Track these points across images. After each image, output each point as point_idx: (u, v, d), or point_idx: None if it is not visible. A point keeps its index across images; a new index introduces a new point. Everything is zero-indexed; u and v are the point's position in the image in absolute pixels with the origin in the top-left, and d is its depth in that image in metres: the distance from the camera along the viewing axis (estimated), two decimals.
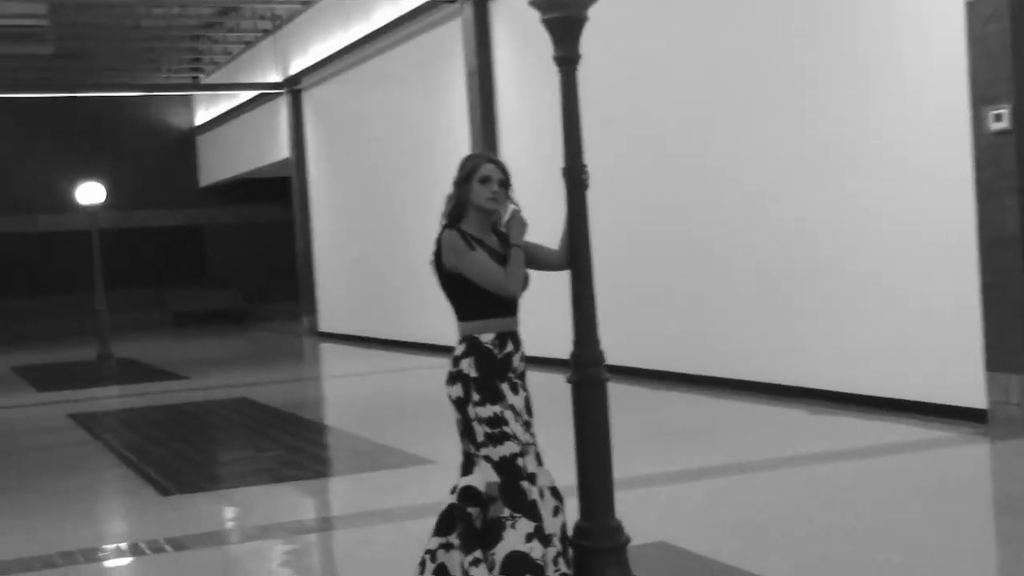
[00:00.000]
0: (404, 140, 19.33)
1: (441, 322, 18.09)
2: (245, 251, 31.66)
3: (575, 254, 4.91)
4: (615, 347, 13.54)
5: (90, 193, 18.45)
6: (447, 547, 4.73)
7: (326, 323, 24.13)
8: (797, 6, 10.96)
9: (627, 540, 4.95)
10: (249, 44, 26.79)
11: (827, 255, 10.71)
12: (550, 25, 4.88)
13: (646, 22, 13.04)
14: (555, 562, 4.66)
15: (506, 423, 4.65)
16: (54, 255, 29.48)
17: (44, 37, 25.81)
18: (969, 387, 9.20)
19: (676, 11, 12.57)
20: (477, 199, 4.76)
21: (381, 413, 12.66)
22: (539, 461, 4.81)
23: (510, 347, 4.77)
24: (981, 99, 8.89)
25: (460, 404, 4.69)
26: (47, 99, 28.56)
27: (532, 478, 4.69)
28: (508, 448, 4.64)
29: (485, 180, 4.76)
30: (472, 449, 4.70)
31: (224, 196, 31.48)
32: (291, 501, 8.20)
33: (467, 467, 4.73)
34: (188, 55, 29.18)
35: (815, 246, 10.85)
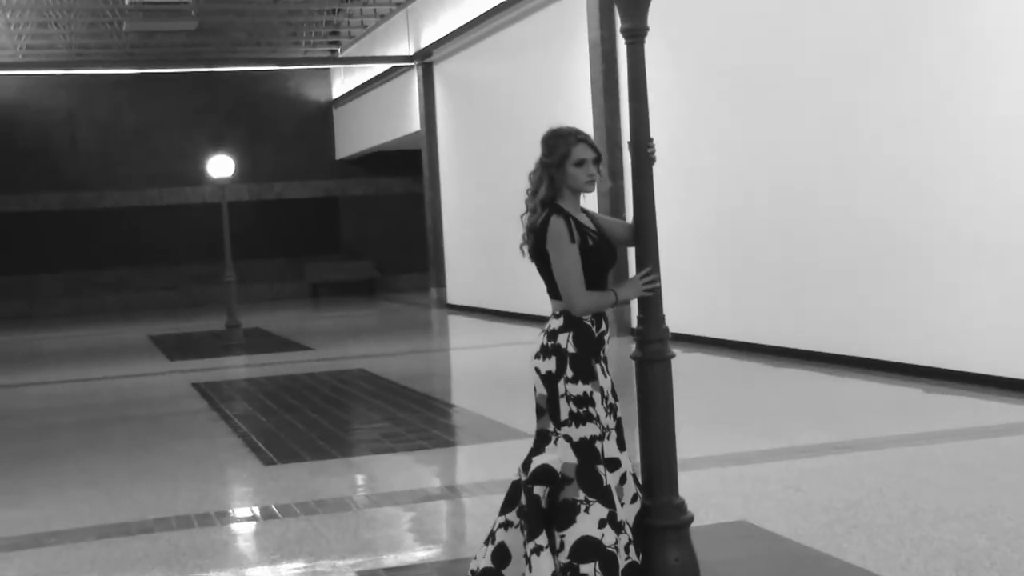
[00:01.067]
0: (530, 112, 19.30)
1: None
2: (378, 223, 32.06)
3: (641, 229, 4.83)
4: (729, 321, 13.42)
5: (220, 166, 18.81)
6: (506, 525, 4.70)
7: (454, 295, 24.29)
8: None
9: (690, 518, 4.87)
10: (384, 17, 27.02)
11: (942, 232, 10.39)
12: None
13: None
14: (627, 550, 4.57)
15: (593, 404, 4.58)
16: (195, 226, 30.23)
17: (188, 13, 26.50)
18: None
19: None
20: (575, 183, 4.69)
21: (492, 386, 12.71)
22: (622, 446, 4.74)
23: (604, 326, 4.72)
24: None
25: (550, 378, 4.62)
26: (189, 74, 29.25)
27: (611, 463, 4.62)
28: (589, 430, 4.58)
29: (581, 163, 4.68)
30: (551, 427, 4.63)
31: (359, 168, 31.89)
32: (384, 472, 8.27)
33: (540, 445, 4.66)
34: (326, 28, 29.57)
35: (934, 221, 10.53)
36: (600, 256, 4.70)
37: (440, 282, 24.93)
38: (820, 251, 12.07)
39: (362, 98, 29.55)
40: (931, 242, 10.55)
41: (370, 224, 32.15)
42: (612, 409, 4.69)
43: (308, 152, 31.78)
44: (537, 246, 4.69)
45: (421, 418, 10.36)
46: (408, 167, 29.83)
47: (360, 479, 8.15)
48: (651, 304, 4.83)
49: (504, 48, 20.49)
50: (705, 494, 6.63)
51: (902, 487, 6.77)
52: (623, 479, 4.68)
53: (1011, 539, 5.61)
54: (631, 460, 4.80)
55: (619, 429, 4.74)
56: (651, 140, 4.83)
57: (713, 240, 13.74)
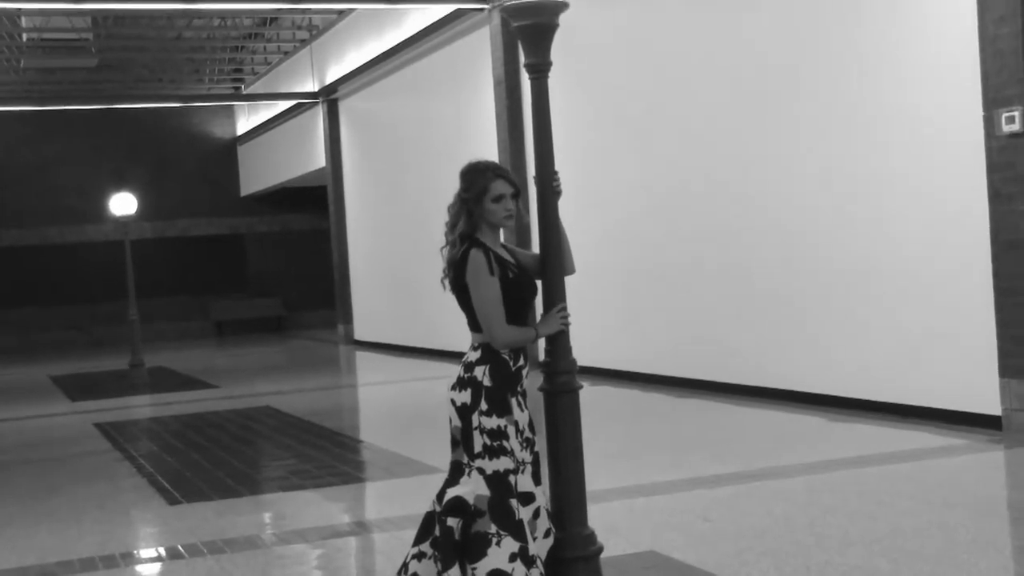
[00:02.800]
0: (435, 148, 19.36)
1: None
2: (284, 260, 31.87)
3: (548, 263, 4.87)
4: (634, 354, 13.51)
5: (122, 204, 18.59)
6: (419, 556, 4.70)
7: (362, 331, 24.19)
8: (805, 10, 10.86)
9: (600, 549, 4.90)
10: (287, 54, 26.98)
11: (841, 261, 10.60)
12: (522, 33, 4.87)
13: (661, 22, 12.98)
14: None
15: (507, 437, 4.59)
16: (98, 264, 29.78)
17: (88, 50, 26.20)
18: (984, 394, 9.07)
19: (712, 11, 12.50)
20: (493, 218, 4.70)
21: (400, 422, 12.68)
22: (537, 480, 4.75)
23: (523, 360, 4.74)
24: (993, 101, 8.76)
25: (464, 410, 4.63)
26: (91, 110, 28.83)
27: (525, 497, 4.63)
28: (503, 463, 4.58)
29: (499, 198, 4.71)
30: (465, 459, 4.64)
31: (264, 205, 31.70)
32: (293, 510, 8.20)
33: (454, 476, 4.66)
34: (229, 65, 29.42)
35: (830, 253, 10.74)
36: (521, 289, 4.74)
37: (347, 319, 24.82)
38: (720, 283, 12.23)
39: (267, 135, 29.41)
40: (829, 271, 10.75)
41: (276, 261, 31.94)
42: (528, 443, 4.71)
43: (212, 189, 31.53)
44: (457, 279, 4.70)
45: (329, 454, 10.30)
46: (314, 204, 29.71)
47: (268, 517, 8.06)
48: (558, 336, 4.87)
49: (409, 84, 20.55)
50: (614, 525, 6.67)
51: (807, 514, 6.87)
52: (536, 513, 4.69)
53: (912, 562, 5.73)
54: (545, 494, 4.82)
55: (535, 463, 4.76)
56: (556, 173, 4.89)
57: (615, 272, 13.86)
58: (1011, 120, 8.62)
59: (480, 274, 4.63)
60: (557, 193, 4.89)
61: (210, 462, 10.27)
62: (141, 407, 15.52)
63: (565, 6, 4.79)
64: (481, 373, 4.63)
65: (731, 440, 9.83)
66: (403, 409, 13.74)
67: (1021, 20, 8.54)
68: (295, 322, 31.70)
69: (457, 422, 4.66)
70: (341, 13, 22.98)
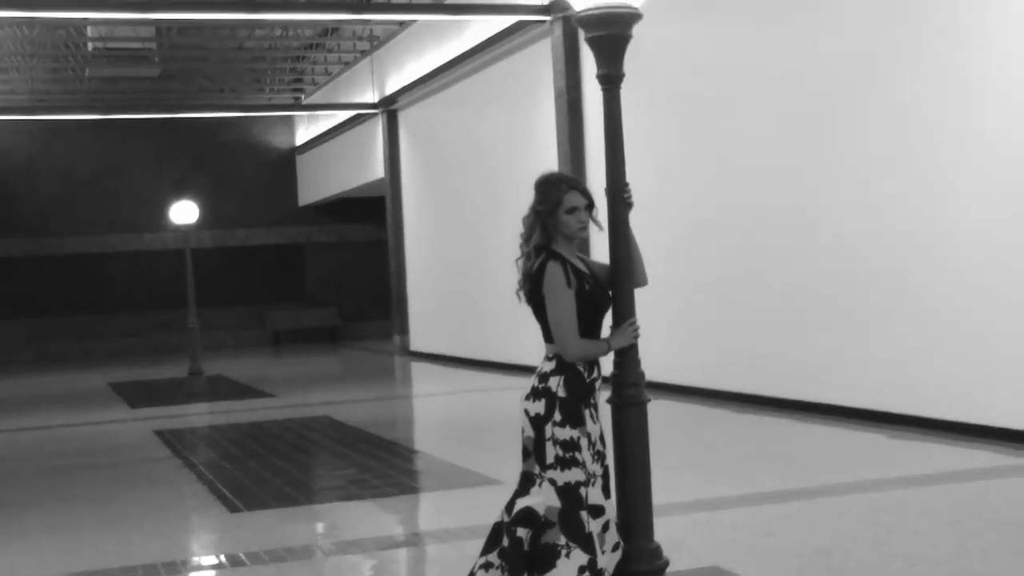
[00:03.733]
0: (494, 160, 19.39)
1: (528, 343, 18.15)
2: (342, 270, 32.03)
3: (618, 274, 4.85)
4: (696, 369, 13.44)
5: (183, 212, 18.78)
6: (487, 566, 4.69)
7: (418, 342, 24.24)
8: (871, 30, 10.78)
9: (666, 563, 4.88)
10: (348, 65, 27.13)
11: (904, 277, 10.50)
12: (594, 43, 4.86)
13: (725, 38, 12.93)
14: None
15: (579, 449, 4.58)
16: (158, 273, 30.10)
17: (152, 60, 26.51)
18: None
19: (760, 29, 12.44)
20: (567, 230, 4.71)
21: (457, 432, 12.69)
22: (607, 494, 4.74)
23: (596, 373, 4.73)
24: None
25: (538, 421, 4.62)
26: (152, 120, 29.15)
27: (595, 510, 4.61)
28: (575, 475, 4.57)
29: (572, 210, 4.71)
30: (537, 470, 4.63)
31: (322, 215, 31.89)
32: (351, 520, 8.22)
33: (524, 487, 4.66)
34: (290, 76, 29.65)
35: (893, 268, 10.63)
36: (596, 301, 4.74)
37: (403, 329, 24.88)
38: (783, 299, 12.14)
39: (326, 145, 29.60)
40: (892, 288, 10.64)
41: (333, 271, 32.12)
42: (599, 456, 4.70)
43: (271, 199, 31.76)
44: (534, 291, 4.70)
45: (387, 464, 10.32)
46: (372, 214, 29.80)
47: (324, 526, 8.09)
48: (627, 349, 4.86)
49: (469, 95, 20.59)
50: (677, 540, 6.62)
51: (870, 533, 6.79)
52: (606, 527, 4.67)
53: None
54: (614, 508, 4.80)
55: (605, 476, 4.74)
56: (627, 185, 4.87)
57: (678, 287, 13.79)
58: None
59: (557, 287, 4.63)
60: (629, 205, 4.88)
61: (269, 470, 10.32)
62: (200, 415, 15.65)
63: (639, 17, 4.79)
64: (556, 384, 4.62)
65: (793, 456, 9.75)
66: (459, 420, 13.75)
67: None
68: (350, 332, 31.84)
69: (530, 432, 4.65)
70: (402, 24, 23.09)
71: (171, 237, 28.90)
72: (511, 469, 9.36)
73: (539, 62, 17.39)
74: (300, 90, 30.76)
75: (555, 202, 4.72)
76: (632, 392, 4.84)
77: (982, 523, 6.95)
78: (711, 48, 13.23)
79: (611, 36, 4.80)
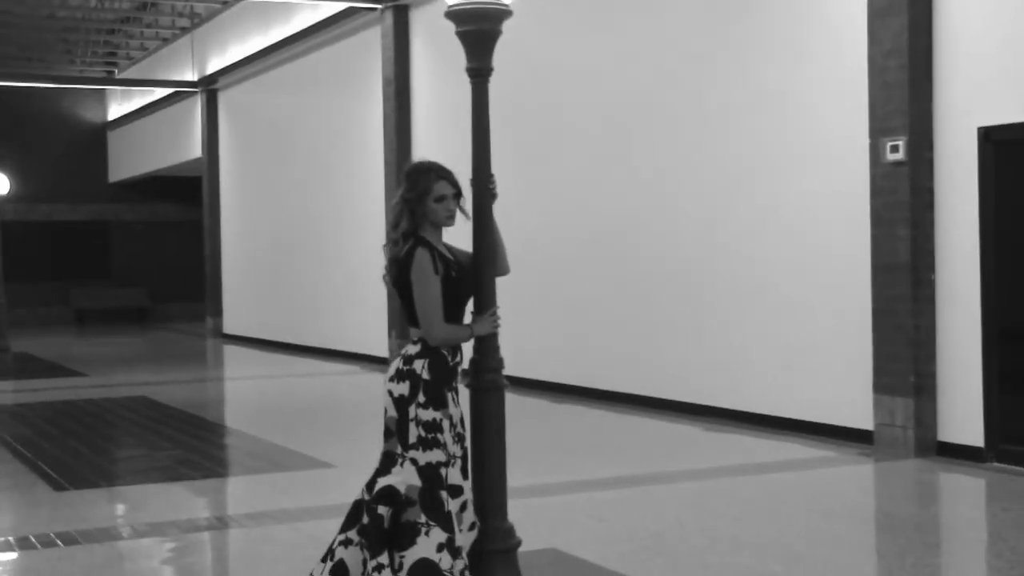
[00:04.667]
0: (318, 145, 19.33)
1: (348, 328, 18.19)
2: (152, 250, 31.26)
3: (481, 263, 5.01)
4: (515, 358, 13.65)
5: None
6: (346, 543, 4.79)
7: (231, 325, 23.98)
8: (706, 34, 11.20)
9: (518, 543, 5.07)
10: (166, 41, 26.58)
11: (724, 275, 10.96)
12: (464, 37, 5.00)
13: (578, 44, 13.21)
14: (461, 574, 4.73)
15: (441, 431, 4.72)
16: None
17: None
18: (858, 409, 9.48)
19: (608, 33, 12.75)
20: (435, 218, 4.84)
21: (279, 416, 12.65)
22: (465, 475, 4.90)
23: (459, 357, 4.88)
24: (879, 130, 9.17)
25: (402, 402, 4.74)
26: None
27: (454, 490, 4.77)
28: (436, 455, 4.71)
29: (441, 199, 4.84)
30: (399, 449, 4.75)
31: (134, 193, 31.09)
32: (185, 500, 8.19)
33: (386, 466, 4.78)
34: (103, 49, 28.85)
35: (713, 266, 11.09)
36: (460, 288, 4.89)
37: (216, 311, 24.56)
38: (606, 292, 12.50)
39: (140, 122, 28.92)
40: (715, 288, 11.09)
41: (142, 250, 31.33)
42: (459, 438, 4.86)
43: (80, 174, 30.80)
44: (401, 276, 4.82)
45: (212, 445, 10.26)
46: (186, 194, 29.24)
47: (155, 505, 8.04)
48: (487, 336, 5.02)
49: (294, 80, 20.46)
50: (515, 521, 6.82)
51: (697, 518, 7.13)
52: (463, 507, 4.84)
53: (804, 566, 6.00)
54: (470, 489, 4.96)
55: (464, 458, 4.91)
56: (492, 176, 5.04)
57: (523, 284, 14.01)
58: (895, 149, 9.03)
59: (425, 272, 4.77)
60: (493, 196, 5.04)
61: (89, 449, 10.13)
62: (6, 393, 15.15)
63: (509, 13, 4.95)
64: (420, 366, 4.76)
65: (616, 446, 10.09)
66: (280, 403, 13.67)
67: (907, 54, 8.96)
68: (159, 314, 31.16)
69: (393, 412, 4.78)
70: (226, 3, 22.75)
71: None
72: (337, 452, 9.52)
73: (368, 50, 17.41)
74: (114, 64, 29.97)
75: (424, 190, 4.86)
76: (491, 377, 5.01)
77: (800, 510, 7.37)
78: (552, 51, 13.49)
79: (481, 31, 4.95)
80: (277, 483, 8.63)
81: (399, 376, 4.79)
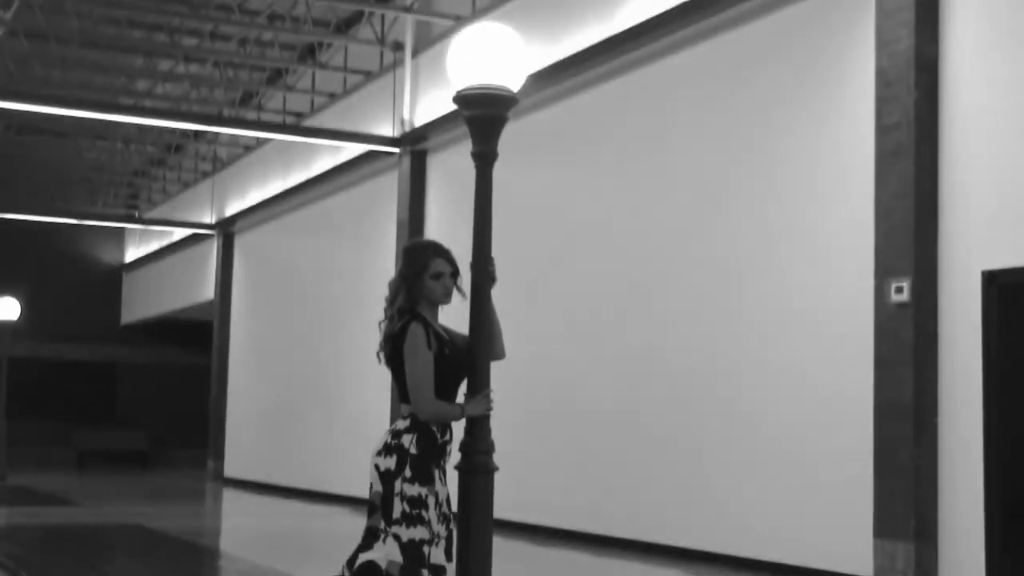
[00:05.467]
0: (331, 287, 19.45)
1: (351, 471, 17.96)
2: (157, 394, 31.19)
3: (476, 345, 5.01)
4: (513, 502, 13.43)
5: (3, 308, 18.27)
6: None
7: (232, 469, 23.77)
8: (715, 174, 11.36)
9: None
10: (188, 185, 27.03)
11: (725, 417, 10.89)
12: (471, 122, 5.10)
13: (568, 185, 13.41)
14: None
15: (426, 507, 4.68)
16: None
17: None
18: (858, 553, 9.30)
19: (602, 176, 12.94)
20: (432, 296, 4.89)
21: (273, 543, 12.47)
22: (449, 557, 4.81)
23: (448, 436, 4.85)
24: (884, 271, 9.22)
25: (388, 476, 4.70)
26: None
27: (436, 570, 4.69)
28: (419, 532, 4.65)
29: (438, 276, 4.89)
30: (382, 524, 4.69)
31: (144, 336, 31.18)
32: None
33: (368, 542, 4.71)
34: (126, 191, 29.33)
35: (714, 408, 11.02)
36: (454, 366, 4.88)
37: (218, 455, 24.37)
38: (604, 434, 12.39)
39: (155, 264, 29.23)
40: (713, 429, 11.00)
41: (148, 394, 31.25)
42: (445, 518, 4.80)
43: (92, 314, 30.96)
44: (395, 350, 4.82)
45: (205, 567, 10.09)
46: (194, 338, 29.31)
47: None
48: (480, 419, 4.99)
49: (310, 223, 20.71)
50: None
51: None
52: None
53: None
54: (455, 572, 4.86)
55: (448, 539, 4.84)
56: (492, 259, 5.07)
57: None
58: (899, 291, 9.06)
59: (418, 346, 4.78)
60: (493, 279, 5.07)
61: (81, 565, 9.99)
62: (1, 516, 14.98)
63: (516, 101, 5.05)
64: (408, 441, 4.73)
65: None
66: (276, 535, 13.48)
67: (914, 197, 9.06)
68: (161, 458, 30.87)
69: (379, 487, 4.73)
70: (248, 148, 23.21)
71: None
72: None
73: (384, 194, 17.66)
74: (135, 206, 30.43)
75: (422, 267, 4.90)
76: (481, 459, 4.97)
77: None
78: (562, 182, 13.69)
79: (487, 115, 5.05)
80: None
81: (386, 450, 4.76)
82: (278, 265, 22.41)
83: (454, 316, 5.13)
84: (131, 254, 31.27)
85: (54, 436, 30.17)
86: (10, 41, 19.47)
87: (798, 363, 10.17)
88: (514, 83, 5.06)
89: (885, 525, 9.06)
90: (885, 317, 9.21)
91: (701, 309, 11.37)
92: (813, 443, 9.94)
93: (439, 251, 4.97)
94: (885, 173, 9.33)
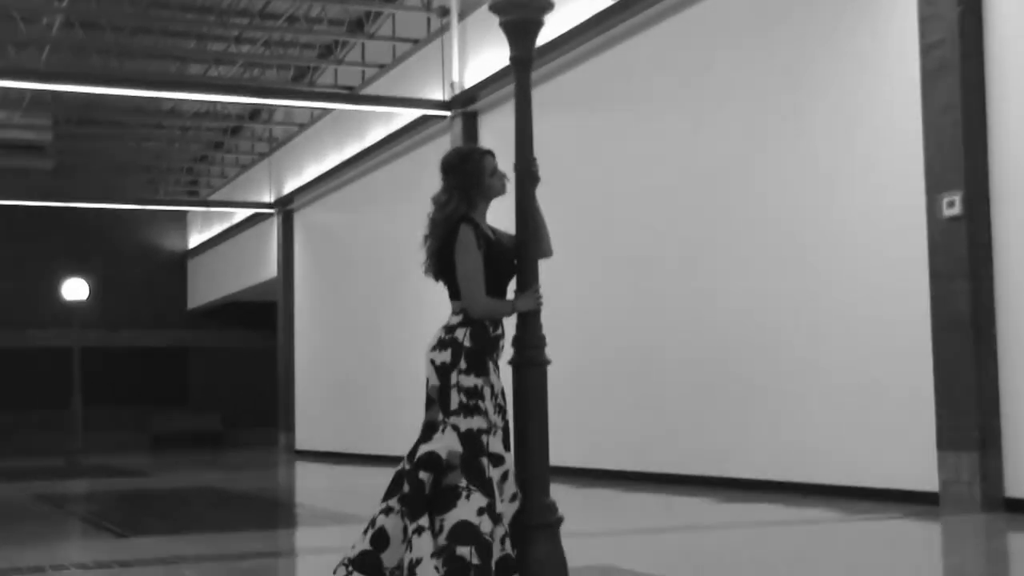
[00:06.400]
0: (388, 255, 19.64)
1: (414, 434, 18.13)
2: (227, 375, 31.72)
3: (523, 244, 5.12)
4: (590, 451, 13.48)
5: (74, 289, 18.66)
6: (387, 511, 4.80)
7: (303, 441, 24.10)
8: (760, 111, 11.37)
9: (560, 519, 5.05)
10: (245, 168, 27.36)
11: (785, 348, 10.92)
12: (507, 27, 5.18)
13: (610, 131, 13.47)
14: (502, 541, 4.74)
15: (482, 398, 4.79)
16: (36, 371, 29.42)
17: (46, 152, 26.47)
18: (923, 469, 9.31)
19: (642, 119, 13.00)
20: (493, 193, 5.05)
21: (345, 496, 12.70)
22: (507, 446, 4.93)
23: (500, 330, 4.98)
24: (935, 186, 9.22)
25: (444, 369, 4.82)
26: (41, 214, 28.74)
27: (495, 459, 4.80)
28: (477, 422, 4.77)
29: (494, 172, 5.04)
30: (440, 416, 4.81)
31: (210, 320, 31.70)
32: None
33: (427, 435, 4.82)
34: (186, 177, 29.76)
35: (773, 340, 11.05)
36: (501, 265, 5.00)
37: (288, 427, 24.73)
38: (667, 379, 12.46)
39: (218, 248, 29.62)
40: (771, 359, 11.04)
41: (219, 376, 31.79)
42: (500, 410, 4.91)
43: (160, 301, 31.51)
44: (444, 251, 4.96)
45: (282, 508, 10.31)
46: (260, 320, 29.72)
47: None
48: (530, 314, 5.10)
49: (366, 194, 20.90)
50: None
51: (756, 551, 7.01)
52: (504, 476, 4.85)
53: None
54: (512, 461, 4.98)
55: (506, 430, 4.94)
56: (534, 159, 5.18)
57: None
58: (951, 204, 9.06)
59: (468, 246, 4.90)
60: (536, 178, 5.17)
61: (152, 515, 10.27)
62: (79, 485, 15.32)
63: (551, 5, 5.14)
64: (462, 335, 4.86)
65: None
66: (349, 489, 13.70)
67: (961, 110, 9.05)
68: (234, 439, 31.40)
69: (435, 381, 4.85)
70: (302, 126, 23.47)
71: (53, 335, 28.35)
72: None
73: (436, 159, 17.68)
74: (195, 193, 30.86)
75: (480, 171, 5.03)
76: (533, 353, 5.07)
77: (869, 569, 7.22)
78: (606, 140, 13.77)
79: (522, 20, 5.13)
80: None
81: (440, 345, 4.88)
82: (337, 238, 22.67)
83: (501, 216, 5.25)
84: (194, 240, 31.74)
85: (129, 422, 30.78)
86: (66, 30, 19.83)
87: (855, 286, 10.18)
88: None
89: (948, 437, 9.08)
90: (938, 231, 9.21)
91: (755, 245, 11.39)
92: (874, 364, 9.95)
93: (483, 151, 5.11)
94: (931, 90, 9.32)
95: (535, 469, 5.03)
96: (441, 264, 5.01)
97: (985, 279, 9.00)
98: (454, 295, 4.98)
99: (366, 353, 20.75)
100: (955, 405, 9.04)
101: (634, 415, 13.04)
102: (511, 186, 5.13)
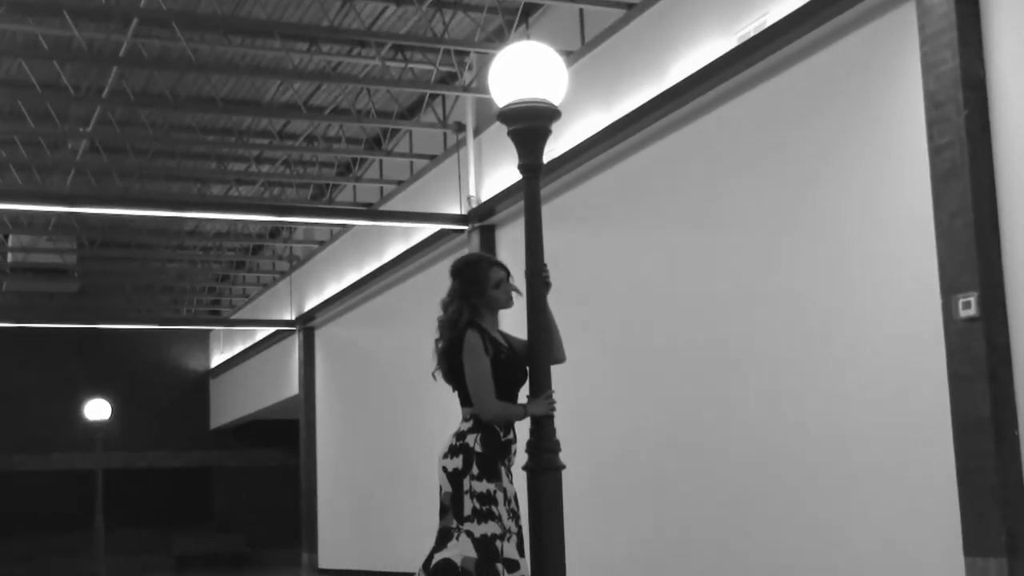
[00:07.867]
0: (409, 369, 19.62)
1: None
2: (251, 495, 31.60)
3: (535, 349, 5.17)
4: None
5: (97, 410, 18.73)
6: None
7: (326, 559, 23.92)
8: (775, 214, 11.44)
9: None
10: (266, 286, 27.59)
11: (803, 449, 10.83)
12: (515, 136, 5.31)
13: (624, 243, 13.56)
14: None
15: (495, 503, 4.83)
16: (58, 494, 29.34)
17: (71, 275, 26.77)
18: (949, 574, 9.19)
19: (665, 230, 13.09)
20: (497, 304, 5.16)
21: None
22: (521, 552, 4.94)
23: (512, 435, 5.02)
24: (950, 288, 9.22)
25: (456, 476, 4.87)
26: (65, 338, 28.94)
27: (510, 564, 4.81)
28: (491, 528, 4.80)
29: (498, 284, 5.11)
30: (454, 523, 4.84)
31: (233, 439, 31.70)
32: None
33: (442, 542, 4.86)
34: (208, 296, 30.00)
35: (791, 441, 10.97)
36: (511, 370, 5.05)
37: (312, 547, 24.55)
38: (682, 477, 12.38)
39: (240, 366, 29.74)
40: (790, 461, 10.96)
41: (241, 496, 31.66)
42: (514, 515, 4.93)
43: (182, 421, 31.56)
44: (453, 358, 5.03)
45: None
46: (283, 438, 29.69)
47: None
48: (544, 419, 5.13)
49: (385, 310, 21.02)
50: None
51: None
52: None
53: None
54: (528, 566, 4.98)
55: (519, 535, 4.96)
56: (545, 266, 5.25)
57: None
58: (967, 305, 9.07)
59: (475, 351, 4.98)
60: (547, 285, 5.24)
61: None
62: None
63: (558, 114, 5.26)
64: (473, 440, 4.90)
65: None
66: None
67: (972, 212, 9.10)
68: (258, 559, 31.17)
69: (448, 488, 4.88)
70: (322, 243, 23.72)
71: (77, 457, 28.36)
72: None
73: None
74: (217, 312, 31.09)
75: (484, 281, 5.11)
76: (548, 457, 5.09)
77: None
78: (619, 251, 13.85)
79: (531, 129, 5.26)
80: None
81: (452, 451, 4.93)
82: (358, 354, 22.74)
83: (512, 322, 5.31)
84: (216, 359, 31.87)
85: (152, 543, 30.62)
86: (90, 155, 20.19)
87: (872, 387, 10.13)
88: (555, 96, 5.27)
89: (975, 542, 8.96)
90: (955, 332, 9.20)
91: (772, 348, 11.38)
92: (894, 466, 9.87)
93: (491, 261, 5.21)
94: (942, 193, 9.39)
95: (551, 575, 5.01)
96: (450, 365, 5.06)
97: (1004, 380, 8.96)
98: (465, 402, 5.03)
99: (388, 469, 20.67)
100: (980, 509, 8.92)
101: (652, 525, 12.93)
102: (520, 296, 5.19)
